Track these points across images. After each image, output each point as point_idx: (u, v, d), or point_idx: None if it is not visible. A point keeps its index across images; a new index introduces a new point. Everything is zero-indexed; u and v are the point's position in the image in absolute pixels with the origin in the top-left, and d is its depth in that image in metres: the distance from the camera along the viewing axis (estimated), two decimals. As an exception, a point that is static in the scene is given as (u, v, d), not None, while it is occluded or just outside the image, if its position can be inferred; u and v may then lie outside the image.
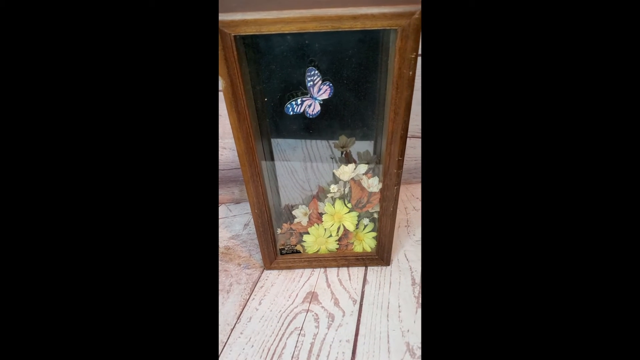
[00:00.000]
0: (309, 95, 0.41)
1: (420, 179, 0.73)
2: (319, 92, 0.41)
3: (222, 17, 0.33)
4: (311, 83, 0.40)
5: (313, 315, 0.50)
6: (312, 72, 0.39)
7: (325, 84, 0.40)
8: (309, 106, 0.41)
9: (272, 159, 0.51)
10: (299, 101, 0.41)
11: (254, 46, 0.37)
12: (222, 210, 0.68)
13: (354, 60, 0.38)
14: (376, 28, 0.34)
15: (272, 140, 0.48)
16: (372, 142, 0.49)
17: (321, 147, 0.51)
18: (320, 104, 0.42)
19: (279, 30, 0.34)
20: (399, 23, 0.33)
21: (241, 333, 0.48)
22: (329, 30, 0.34)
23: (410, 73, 0.36)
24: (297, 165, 0.53)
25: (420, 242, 0.60)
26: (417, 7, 0.33)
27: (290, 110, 0.42)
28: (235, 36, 0.34)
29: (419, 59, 0.48)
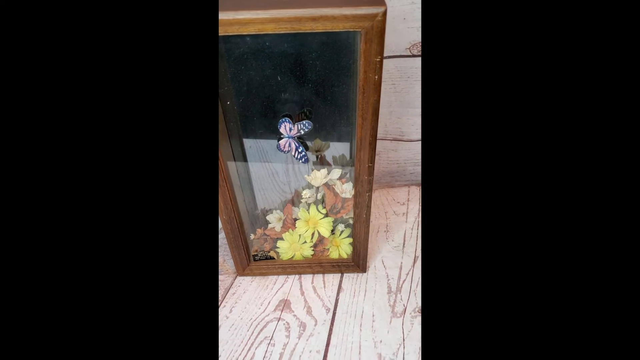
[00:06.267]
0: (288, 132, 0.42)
1: (402, 183, 0.71)
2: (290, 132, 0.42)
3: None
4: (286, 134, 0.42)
5: (284, 324, 0.48)
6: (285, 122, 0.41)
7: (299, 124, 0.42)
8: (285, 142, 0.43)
9: (245, 160, 0.49)
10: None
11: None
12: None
13: (317, 63, 0.36)
14: (337, 30, 0.32)
15: (249, 140, 0.47)
16: (349, 144, 0.47)
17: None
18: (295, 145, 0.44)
19: (237, 32, 0.32)
20: (361, 25, 0.32)
21: (209, 342, 0.47)
22: (288, 32, 0.32)
23: (376, 77, 0.34)
24: (278, 167, 0.51)
25: (397, 249, 0.58)
26: (379, 9, 0.31)
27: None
28: (191, 37, 0.33)
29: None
